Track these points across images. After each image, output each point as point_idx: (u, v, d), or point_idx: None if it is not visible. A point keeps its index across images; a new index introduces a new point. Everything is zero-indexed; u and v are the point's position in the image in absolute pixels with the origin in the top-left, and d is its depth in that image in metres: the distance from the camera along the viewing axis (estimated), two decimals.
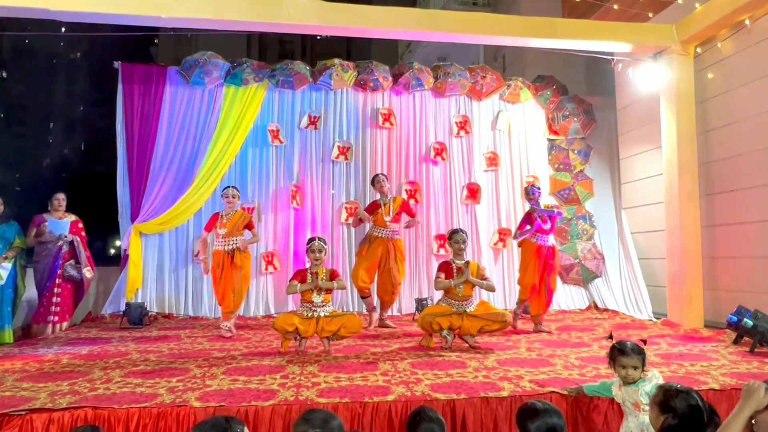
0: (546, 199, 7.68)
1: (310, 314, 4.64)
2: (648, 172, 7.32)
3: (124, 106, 7.17)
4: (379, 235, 6.07)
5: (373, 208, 6.18)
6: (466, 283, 4.85)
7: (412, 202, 7.54)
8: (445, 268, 4.97)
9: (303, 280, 4.73)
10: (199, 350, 4.81)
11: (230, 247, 5.51)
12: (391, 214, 6.05)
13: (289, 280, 4.88)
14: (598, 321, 6.64)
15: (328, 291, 4.76)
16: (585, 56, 7.31)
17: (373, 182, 6.38)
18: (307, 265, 4.98)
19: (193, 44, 15.31)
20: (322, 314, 4.65)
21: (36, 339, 5.58)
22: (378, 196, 6.26)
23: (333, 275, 4.80)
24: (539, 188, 6.14)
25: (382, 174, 6.38)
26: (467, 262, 4.94)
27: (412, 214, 6.28)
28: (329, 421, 1.98)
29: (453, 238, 5.03)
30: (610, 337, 3.02)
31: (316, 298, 4.67)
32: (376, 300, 6.34)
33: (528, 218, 5.91)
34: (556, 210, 6.15)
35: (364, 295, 6.18)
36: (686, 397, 2.06)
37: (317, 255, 4.74)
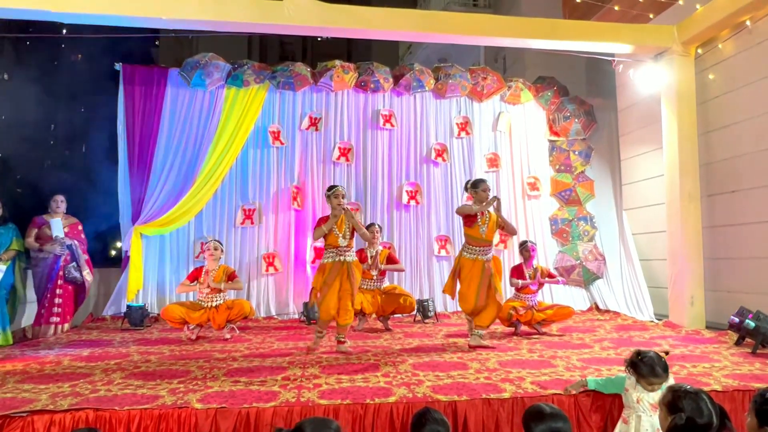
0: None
1: (338, 258, 4.78)
2: (649, 173, 7.31)
3: (126, 107, 7.17)
4: (367, 287, 6.12)
5: (362, 259, 6.12)
6: (489, 227, 4.92)
7: (412, 203, 7.56)
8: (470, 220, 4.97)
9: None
10: (200, 352, 4.80)
11: (215, 304, 5.51)
12: (378, 267, 6.12)
13: (314, 228, 4.98)
14: (599, 322, 6.63)
15: (352, 235, 4.88)
16: (586, 57, 7.31)
17: (366, 229, 6.34)
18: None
19: (194, 46, 15.34)
20: (348, 258, 4.80)
21: (36, 341, 5.57)
22: (365, 245, 6.21)
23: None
24: (534, 246, 5.98)
25: (378, 225, 6.40)
26: (495, 198, 4.93)
27: (396, 262, 6.40)
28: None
29: (480, 186, 4.99)
30: (667, 353, 3.03)
31: (342, 241, 4.79)
32: None
33: (518, 272, 5.82)
34: (560, 280, 6.33)
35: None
36: (695, 398, 2.05)
37: (341, 200, 4.86)
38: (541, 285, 5.88)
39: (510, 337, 5.51)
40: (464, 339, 5.25)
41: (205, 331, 5.73)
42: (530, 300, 5.72)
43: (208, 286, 5.49)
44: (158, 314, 6.76)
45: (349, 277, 4.79)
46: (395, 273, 7.03)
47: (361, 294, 5.98)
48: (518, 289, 5.76)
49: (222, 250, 5.81)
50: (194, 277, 5.63)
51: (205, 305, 5.50)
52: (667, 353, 2.95)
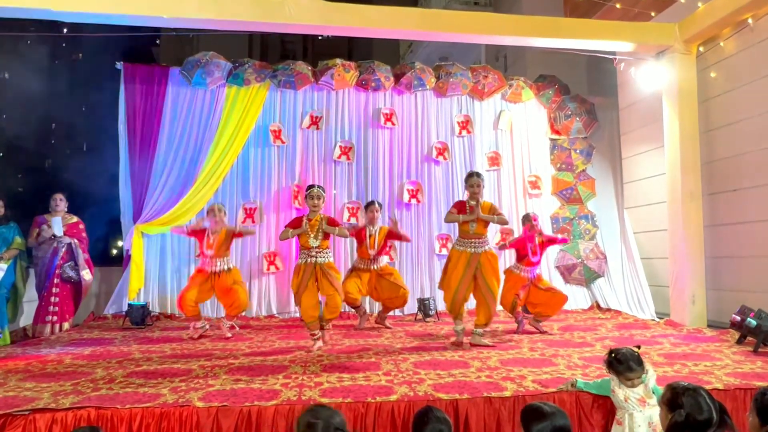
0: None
1: (308, 260, 4.77)
2: (650, 171, 7.30)
3: (127, 106, 7.16)
4: (364, 267, 6.06)
5: (360, 237, 6.11)
6: (478, 221, 4.91)
7: (413, 202, 7.56)
8: (459, 205, 5.06)
9: (298, 226, 4.85)
10: (201, 350, 4.81)
11: (218, 269, 5.51)
12: (375, 247, 6.03)
13: (285, 227, 4.98)
14: (600, 321, 6.63)
15: (326, 237, 4.85)
16: (587, 56, 7.31)
17: (366, 207, 6.32)
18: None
19: (194, 44, 15.32)
20: (319, 260, 4.76)
21: (38, 339, 5.58)
22: (368, 221, 6.25)
23: (330, 222, 4.87)
24: (537, 216, 6.00)
25: (378, 203, 6.34)
26: (479, 201, 4.96)
27: (399, 237, 6.22)
28: (333, 417, 2.04)
29: (468, 181, 5.04)
30: (639, 347, 3.08)
31: (313, 242, 4.76)
32: (369, 308, 6.53)
33: (521, 243, 5.80)
34: (559, 238, 6.32)
35: (355, 306, 6.16)
36: (694, 394, 2.06)
37: (315, 201, 4.84)
38: (543, 249, 5.82)
39: (511, 336, 5.51)
40: (465, 338, 5.25)
41: (207, 330, 5.73)
42: (530, 272, 5.70)
43: (211, 248, 5.47)
44: (159, 313, 6.80)
45: (324, 276, 4.79)
46: (396, 271, 6.92)
47: (357, 278, 5.92)
48: (519, 260, 5.74)
49: (225, 213, 5.83)
50: (196, 233, 5.65)
51: (209, 269, 5.48)
52: (639, 347, 3.04)
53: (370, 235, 6.07)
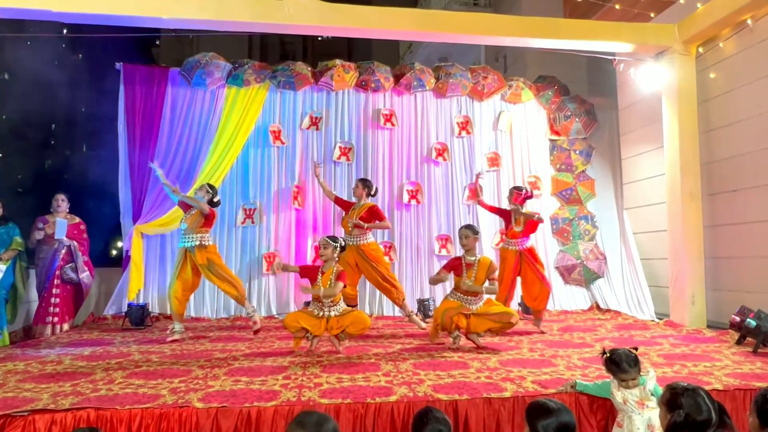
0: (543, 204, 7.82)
1: (320, 313, 4.68)
2: (650, 172, 7.31)
3: (126, 107, 7.17)
4: (347, 241, 5.90)
5: (346, 207, 6.14)
6: (475, 281, 4.84)
7: (413, 202, 7.55)
8: (454, 263, 4.99)
9: (313, 278, 4.80)
10: (201, 351, 4.81)
11: (190, 244, 5.49)
12: (354, 218, 5.92)
13: (301, 277, 4.96)
14: (600, 321, 6.63)
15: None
16: (586, 56, 7.31)
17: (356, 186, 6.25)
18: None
19: (194, 45, 15.36)
20: (332, 314, 4.67)
21: (37, 340, 5.57)
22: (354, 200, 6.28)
23: (340, 276, 4.80)
24: (526, 192, 6.01)
25: (363, 182, 6.16)
26: (479, 260, 4.93)
27: (380, 218, 6.02)
28: (323, 424, 1.95)
29: (461, 232, 5.03)
30: (604, 353, 3.07)
31: (326, 299, 4.69)
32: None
33: (504, 213, 5.91)
34: (536, 216, 5.90)
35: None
36: (693, 394, 2.06)
37: (322, 251, 4.81)
38: (528, 224, 5.78)
39: (511, 337, 5.51)
40: (465, 338, 5.24)
41: (206, 331, 5.73)
42: (519, 245, 5.76)
43: (186, 221, 5.51)
44: (159, 313, 6.80)
45: (339, 319, 4.65)
46: (378, 250, 6.42)
47: (344, 265, 5.70)
48: (504, 233, 5.82)
49: (208, 191, 5.70)
50: (182, 205, 5.76)
51: (184, 243, 5.50)
52: (636, 349, 3.05)
53: (353, 209, 6.06)
